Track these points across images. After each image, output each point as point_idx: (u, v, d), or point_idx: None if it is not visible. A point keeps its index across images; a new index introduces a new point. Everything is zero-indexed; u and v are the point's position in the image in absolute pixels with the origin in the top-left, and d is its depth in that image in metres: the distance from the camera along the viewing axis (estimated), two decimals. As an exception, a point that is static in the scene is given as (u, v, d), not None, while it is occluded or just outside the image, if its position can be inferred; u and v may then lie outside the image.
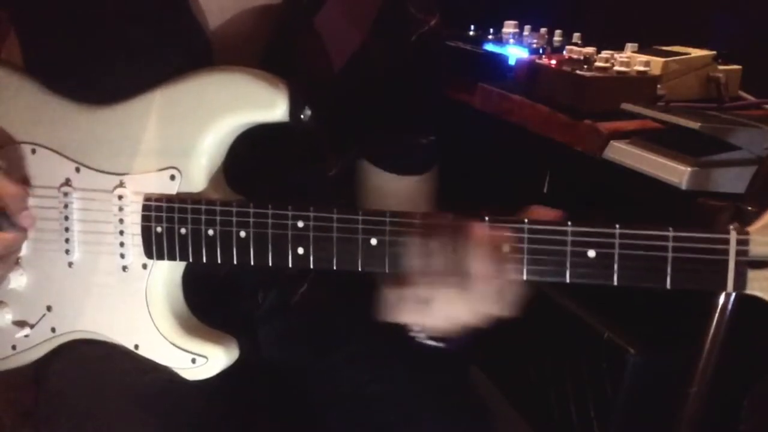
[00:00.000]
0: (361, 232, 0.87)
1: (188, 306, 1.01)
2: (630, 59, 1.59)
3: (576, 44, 1.83)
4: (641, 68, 1.58)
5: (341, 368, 1.15)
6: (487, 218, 0.84)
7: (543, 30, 1.96)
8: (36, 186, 1.00)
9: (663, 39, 1.75)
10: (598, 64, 1.60)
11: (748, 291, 0.79)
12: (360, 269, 0.88)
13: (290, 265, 0.91)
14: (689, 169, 1.29)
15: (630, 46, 1.73)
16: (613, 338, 1.47)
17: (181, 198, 0.94)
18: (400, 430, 1.08)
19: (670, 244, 0.79)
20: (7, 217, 0.96)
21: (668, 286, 0.80)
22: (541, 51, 1.86)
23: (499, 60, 1.90)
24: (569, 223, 0.82)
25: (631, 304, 1.47)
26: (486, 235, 0.83)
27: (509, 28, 1.98)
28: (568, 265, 0.83)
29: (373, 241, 0.87)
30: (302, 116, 0.91)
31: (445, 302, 0.85)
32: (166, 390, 1.00)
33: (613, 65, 1.59)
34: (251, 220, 0.91)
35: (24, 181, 1.00)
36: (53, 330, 1.04)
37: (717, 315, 1.16)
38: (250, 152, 0.97)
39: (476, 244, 0.83)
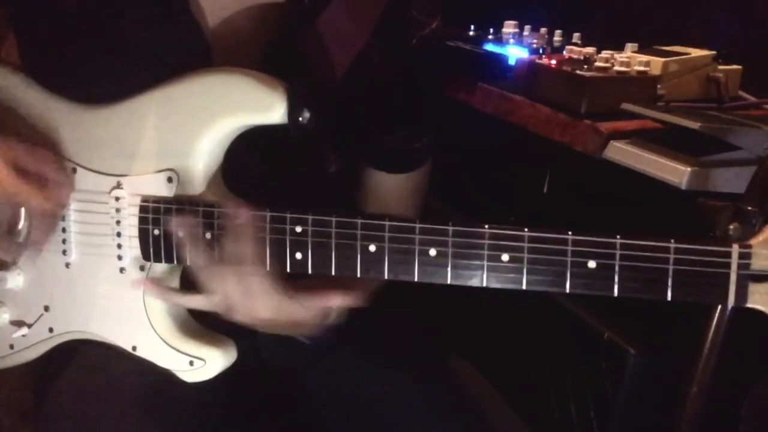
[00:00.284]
0: (360, 238, 0.87)
1: (186, 308, 1.01)
2: (630, 59, 1.58)
3: (576, 44, 1.83)
4: (641, 68, 1.58)
5: (340, 370, 1.15)
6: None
7: (543, 30, 1.96)
8: None
9: (663, 39, 1.75)
10: (598, 64, 1.60)
11: (749, 305, 0.79)
12: (359, 275, 0.88)
13: (288, 270, 0.90)
14: (689, 169, 1.29)
15: (630, 46, 1.72)
16: (613, 338, 1.46)
17: (179, 200, 0.94)
18: (399, 431, 1.08)
19: (672, 256, 0.79)
20: None
21: (669, 298, 0.80)
22: (541, 51, 1.86)
23: (499, 60, 1.90)
24: (570, 233, 0.81)
25: (631, 304, 1.47)
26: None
27: (509, 28, 1.98)
28: (568, 275, 0.83)
29: (372, 248, 0.87)
30: (300, 119, 0.91)
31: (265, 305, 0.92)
32: (163, 391, 1.00)
33: (613, 65, 1.59)
34: None
35: None
36: (51, 330, 1.04)
37: (717, 315, 1.16)
38: (248, 154, 0.97)
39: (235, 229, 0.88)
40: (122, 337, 1.00)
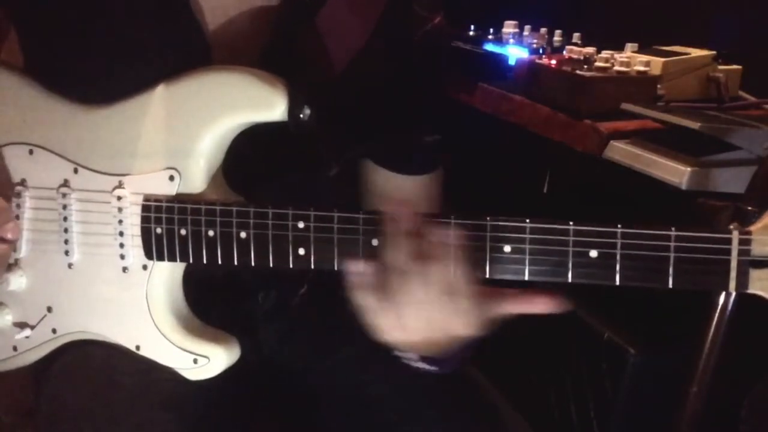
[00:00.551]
0: (362, 233, 0.87)
1: (189, 306, 1.02)
2: (630, 59, 1.59)
3: (576, 44, 1.83)
4: (641, 68, 1.58)
5: (342, 369, 1.15)
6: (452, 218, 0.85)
7: (543, 30, 1.96)
8: (34, 187, 1.00)
9: (663, 39, 1.75)
10: (598, 64, 1.60)
11: (750, 290, 0.79)
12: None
13: (291, 266, 0.90)
14: (689, 169, 1.29)
15: (630, 46, 1.73)
16: (613, 338, 1.47)
17: (181, 199, 0.94)
18: (400, 431, 1.08)
19: (672, 244, 0.79)
20: None
21: (670, 285, 0.80)
22: (541, 51, 1.86)
23: (499, 60, 1.90)
24: (571, 223, 0.82)
25: (631, 304, 1.47)
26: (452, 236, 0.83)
27: (509, 28, 1.98)
28: (570, 265, 0.83)
29: (375, 242, 0.87)
30: (301, 115, 0.91)
31: (419, 316, 0.85)
32: (167, 390, 1.00)
33: (613, 65, 1.59)
34: (251, 221, 0.91)
35: (21, 182, 1.01)
36: (54, 331, 1.04)
37: (717, 315, 1.16)
38: (249, 152, 0.97)
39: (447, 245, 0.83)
40: (125, 337, 1.00)
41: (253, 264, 0.92)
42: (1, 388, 1.67)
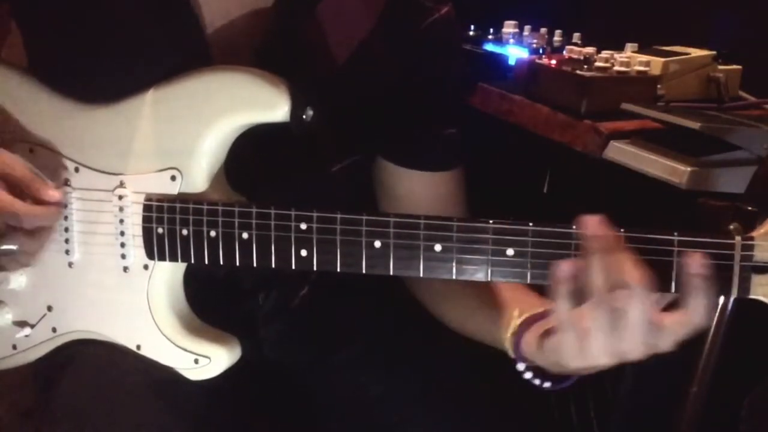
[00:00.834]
0: (365, 235, 0.87)
1: (190, 306, 1.01)
2: (630, 59, 1.59)
3: (576, 44, 1.83)
4: (641, 68, 1.58)
5: (342, 370, 1.16)
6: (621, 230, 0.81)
7: (543, 30, 1.96)
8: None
9: (663, 39, 1.75)
10: (598, 64, 1.60)
11: (752, 296, 0.79)
12: (364, 272, 0.88)
13: (293, 267, 0.90)
14: (689, 169, 1.29)
15: (630, 46, 1.72)
16: (613, 338, 1.46)
17: (183, 199, 0.94)
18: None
19: (675, 249, 0.79)
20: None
21: (673, 290, 0.80)
22: (541, 51, 1.86)
23: (499, 60, 1.90)
24: (573, 227, 0.81)
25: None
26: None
27: (509, 28, 1.98)
28: None
29: (377, 244, 0.87)
30: (304, 116, 0.91)
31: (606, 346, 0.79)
32: (167, 390, 1.00)
33: (613, 65, 1.59)
34: (254, 221, 0.91)
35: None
36: (54, 330, 1.04)
37: (717, 315, 1.16)
38: (251, 152, 0.97)
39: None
40: (126, 336, 1.00)
41: (255, 265, 0.92)
42: (1, 387, 1.67)
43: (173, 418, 0.99)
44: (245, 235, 0.91)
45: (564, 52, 1.74)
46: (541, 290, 0.87)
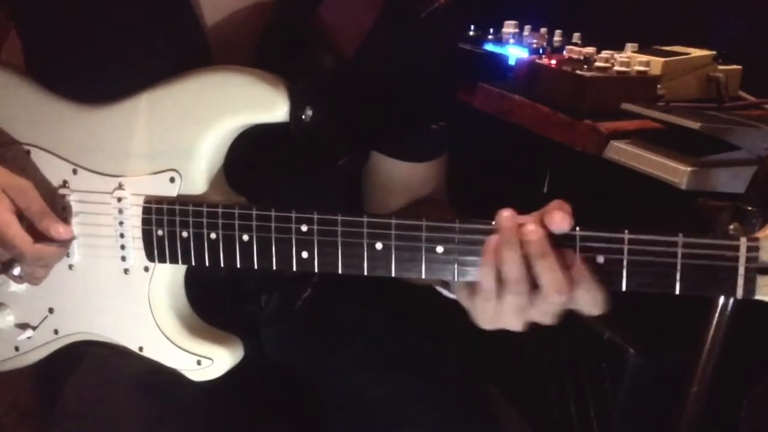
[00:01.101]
0: (366, 237, 0.87)
1: (191, 307, 1.01)
2: (630, 59, 1.59)
3: (576, 44, 1.83)
4: (641, 68, 1.58)
5: (343, 371, 1.16)
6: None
7: (543, 30, 1.96)
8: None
9: (663, 39, 1.75)
10: (598, 64, 1.60)
11: (757, 297, 0.79)
12: (365, 273, 0.88)
13: (294, 269, 0.90)
14: (689, 169, 1.29)
15: (630, 46, 1.72)
16: (613, 338, 1.47)
17: (182, 201, 0.93)
18: (400, 432, 1.08)
19: (680, 250, 0.79)
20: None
21: (677, 292, 0.80)
22: (541, 51, 1.86)
23: (499, 60, 1.90)
24: (578, 228, 0.81)
25: (632, 304, 1.47)
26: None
27: (509, 28, 1.98)
28: None
29: (379, 246, 0.87)
30: (303, 116, 0.91)
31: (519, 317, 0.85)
32: (170, 391, 1.00)
33: (613, 65, 1.59)
34: (254, 223, 0.91)
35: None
36: (56, 332, 1.04)
37: (717, 315, 1.16)
38: (250, 150, 0.97)
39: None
40: (128, 338, 1.01)
41: (256, 267, 0.92)
42: (1, 388, 1.67)
43: (176, 420, 1.00)
44: (246, 237, 0.91)
45: (564, 52, 1.74)
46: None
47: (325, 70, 0.97)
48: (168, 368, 0.99)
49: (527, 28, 1.99)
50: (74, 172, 0.99)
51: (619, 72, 1.57)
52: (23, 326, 1.04)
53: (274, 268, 0.91)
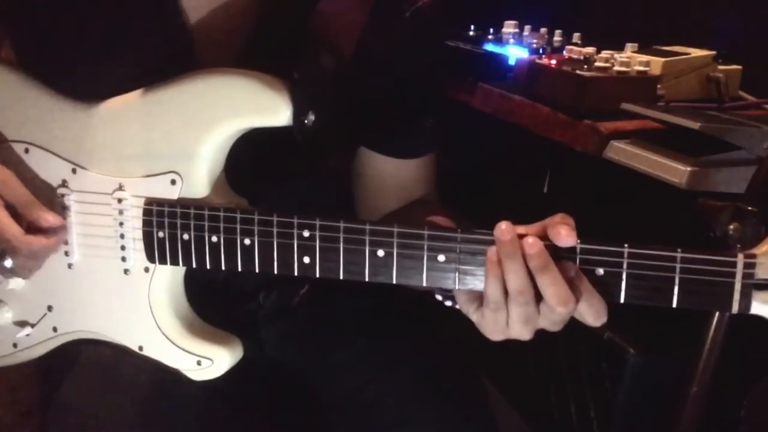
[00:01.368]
0: (368, 244, 0.87)
1: (191, 307, 1.01)
2: (630, 59, 1.58)
3: (576, 44, 1.83)
4: (641, 68, 1.58)
5: (342, 369, 1.16)
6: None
7: (543, 30, 1.96)
8: (31, 187, 0.99)
9: (663, 39, 1.75)
10: (598, 64, 1.60)
11: (753, 312, 0.80)
12: (367, 280, 0.88)
13: (296, 274, 0.90)
14: (689, 169, 1.29)
15: (630, 46, 1.72)
16: (613, 338, 1.47)
17: (183, 203, 0.93)
18: (400, 431, 1.08)
19: (678, 265, 0.80)
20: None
21: (674, 305, 0.81)
22: (541, 51, 1.85)
23: (499, 60, 1.90)
24: (578, 241, 0.82)
25: (632, 304, 1.47)
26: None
27: (509, 28, 1.98)
28: None
29: (380, 253, 0.87)
30: (306, 121, 0.91)
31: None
32: (170, 390, 1.00)
33: (613, 65, 1.59)
34: (256, 228, 0.91)
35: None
36: (55, 329, 1.04)
37: (717, 315, 1.16)
38: (250, 152, 0.97)
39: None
40: (128, 337, 1.01)
41: (257, 271, 0.92)
42: (1, 387, 1.67)
43: (176, 418, 1.00)
44: (247, 242, 0.91)
45: (564, 52, 1.74)
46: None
47: (326, 72, 0.97)
48: (168, 367, 0.99)
49: (527, 28, 1.98)
50: (74, 171, 0.99)
51: (619, 72, 1.57)
52: (22, 323, 1.05)
53: (276, 272, 0.91)
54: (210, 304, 1.03)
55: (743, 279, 0.79)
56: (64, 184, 0.99)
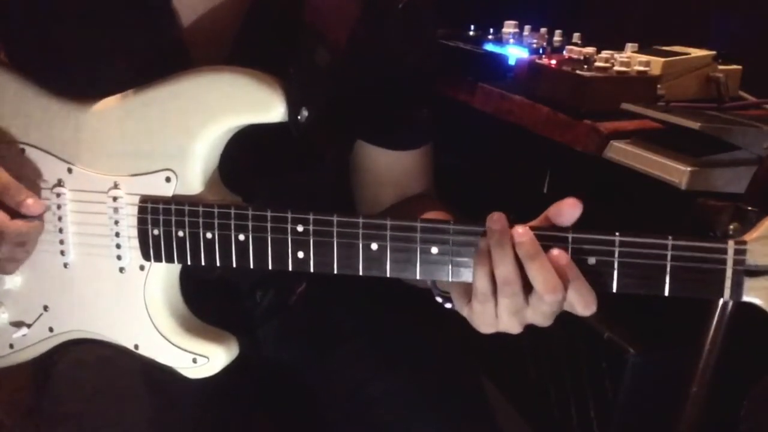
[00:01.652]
0: (362, 237, 0.87)
1: (187, 305, 1.01)
2: (630, 59, 1.58)
3: (576, 44, 1.83)
4: (641, 68, 1.58)
5: (340, 367, 1.16)
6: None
7: (543, 30, 1.96)
8: (28, 186, 0.99)
9: (663, 39, 1.75)
10: (598, 64, 1.60)
11: (745, 299, 0.80)
12: (360, 274, 0.88)
13: (290, 269, 0.90)
14: (689, 169, 1.29)
15: (630, 46, 1.72)
16: (613, 338, 1.47)
17: (178, 200, 0.93)
18: (399, 430, 1.08)
19: (669, 252, 0.80)
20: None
21: (666, 293, 0.81)
22: (541, 51, 1.85)
23: (499, 60, 1.90)
24: (570, 230, 0.82)
25: (631, 304, 1.47)
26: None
27: (509, 28, 1.98)
28: None
29: (374, 246, 0.87)
30: (299, 117, 0.91)
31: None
32: (166, 388, 1.00)
33: (613, 65, 1.59)
34: (250, 223, 0.91)
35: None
36: (51, 329, 1.04)
37: (717, 315, 1.16)
38: (244, 148, 0.97)
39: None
40: (124, 336, 1.01)
41: (252, 266, 0.92)
42: (1, 388, 1.67)
43: (172, 417, 1.00)
44: (242, 237, 0.91)
45: (564, 52, 1.74)
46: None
47: (320, 67, 0.97)
48: (163, 366, 0.99)
49: (527, 28, 1.98)
50: (69, 170, 0.99)
51: (619, 72, 1.57)
52: (18, 324, 1.05)
53: (270, 268, 0.91)
54: (206, 303, 1.03)
55: (734, 265, 0.79)
56: (59, 183, 0.99)
